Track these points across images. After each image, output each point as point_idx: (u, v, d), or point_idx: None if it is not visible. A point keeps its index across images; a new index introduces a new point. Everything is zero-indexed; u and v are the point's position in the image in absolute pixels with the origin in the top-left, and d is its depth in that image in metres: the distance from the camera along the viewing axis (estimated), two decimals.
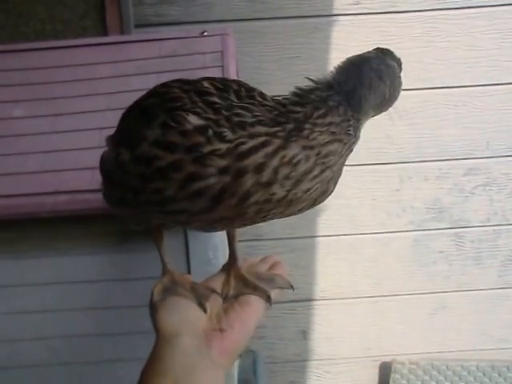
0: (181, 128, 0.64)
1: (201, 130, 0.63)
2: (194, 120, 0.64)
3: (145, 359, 0.69)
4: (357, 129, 0.67)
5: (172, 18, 1.55)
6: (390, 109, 1.72)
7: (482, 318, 1.87)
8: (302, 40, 1.60)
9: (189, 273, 1.30)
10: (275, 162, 0.62)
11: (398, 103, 1.72)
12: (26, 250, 1.04)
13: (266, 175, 0.62)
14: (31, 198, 0.98)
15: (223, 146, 0.62)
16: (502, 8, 1.60)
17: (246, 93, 0.68)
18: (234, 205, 0.63)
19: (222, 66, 1.14)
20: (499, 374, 1.82)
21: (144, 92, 0.76)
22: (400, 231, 1.77)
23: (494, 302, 1.85)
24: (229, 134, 0.63)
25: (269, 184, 0.62)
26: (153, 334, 0.72)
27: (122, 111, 0.78)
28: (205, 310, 0.72)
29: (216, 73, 1.13)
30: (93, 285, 1.07)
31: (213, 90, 0.68)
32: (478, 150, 1.72)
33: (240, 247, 0.84)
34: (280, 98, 0.68)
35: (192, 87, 0.69)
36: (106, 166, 0.73)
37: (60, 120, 1.12)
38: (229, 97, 0.67)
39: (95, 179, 0.93)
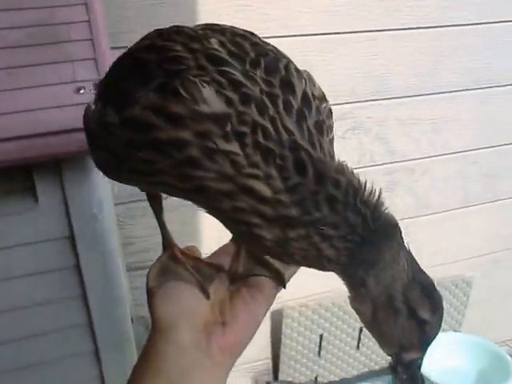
0: (191, 104, 0.52)
1: (218, 117, 0.52)
2: (211, 97, 0.52)
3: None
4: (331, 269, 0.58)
5: None
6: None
7: None
8: None
9: (72, 234, 1.24)
10: (252, 219, 0.54)
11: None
12: None
13: (238, 219, 0.55)
14: None
15: (241, 155, 0.52)
16: None
17: (268, 75, 0.55)
18: (205, 202, 0.57)
19: (86, 4, 1.05)
20: None
21: None
22: None
23: None
24: (251, 152, 0.52)
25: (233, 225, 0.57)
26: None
27: None
28: (207, 297, 0.64)
29: (79, 11, 1.04)
30: None
31: (228, 58, 0.55)
32: (344, 96, 1.78)
33: None
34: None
35: (199, 46, 0.56)
36: (90, 125, 0.61)
37: None
38: (253, 75, 0.54)
39: None
